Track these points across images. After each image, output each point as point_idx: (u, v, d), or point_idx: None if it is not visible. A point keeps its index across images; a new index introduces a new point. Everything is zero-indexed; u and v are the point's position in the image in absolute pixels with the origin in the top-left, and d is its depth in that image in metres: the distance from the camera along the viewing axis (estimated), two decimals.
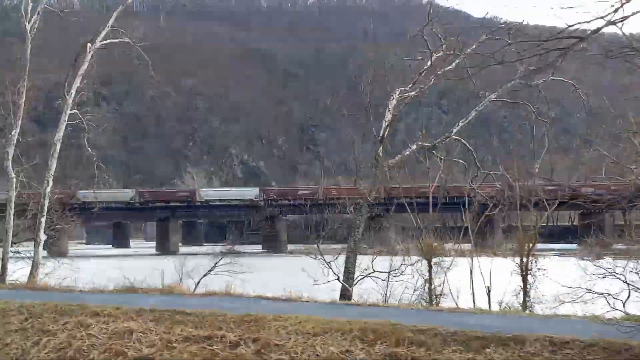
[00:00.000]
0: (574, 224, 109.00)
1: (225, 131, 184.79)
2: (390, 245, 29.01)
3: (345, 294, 20.89)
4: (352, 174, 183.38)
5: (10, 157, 28.32)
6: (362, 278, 21.98)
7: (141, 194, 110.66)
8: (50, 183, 27.96)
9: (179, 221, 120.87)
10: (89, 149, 30.03)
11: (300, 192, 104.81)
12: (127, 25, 31.83)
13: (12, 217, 27.81)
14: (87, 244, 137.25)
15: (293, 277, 24.22)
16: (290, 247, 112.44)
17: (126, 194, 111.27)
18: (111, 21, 29.17)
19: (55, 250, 43.32)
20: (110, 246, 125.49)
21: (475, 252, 23.96)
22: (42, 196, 27.89)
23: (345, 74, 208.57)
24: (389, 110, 21.64)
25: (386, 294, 20.79)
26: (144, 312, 16.36)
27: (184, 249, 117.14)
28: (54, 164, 28.08)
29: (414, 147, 22.23)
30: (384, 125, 22.06)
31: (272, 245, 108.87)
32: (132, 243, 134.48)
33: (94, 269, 31.15)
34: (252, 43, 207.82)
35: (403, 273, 21.29)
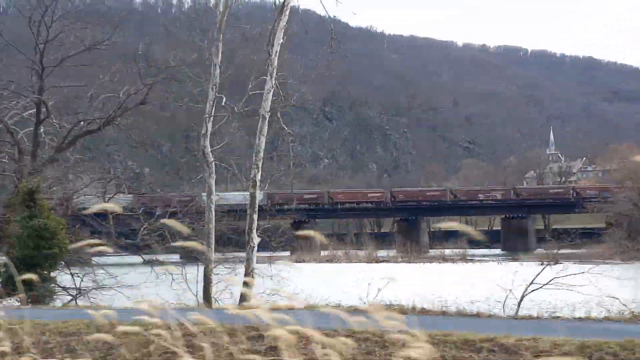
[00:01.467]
0: (494, 228, 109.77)
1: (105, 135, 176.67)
2: None
3: None
4: (240, 179, 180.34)
5: (208, 134, 23.15)
6: None
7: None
8: (260, 169, 22.29)
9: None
10: (284, 126, 24.34)
11: (305, 197, 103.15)
12: None
13: (213, 216, 22.86)
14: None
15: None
16: None
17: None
18: None
19: None
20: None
21: None
22: (251, 185, 22.30)
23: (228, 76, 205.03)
24: None
25: None
26: None
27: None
28: (262, 143, 22.04)
29: None
30: None
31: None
32: None
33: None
34: (129, 45, 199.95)
35: None
